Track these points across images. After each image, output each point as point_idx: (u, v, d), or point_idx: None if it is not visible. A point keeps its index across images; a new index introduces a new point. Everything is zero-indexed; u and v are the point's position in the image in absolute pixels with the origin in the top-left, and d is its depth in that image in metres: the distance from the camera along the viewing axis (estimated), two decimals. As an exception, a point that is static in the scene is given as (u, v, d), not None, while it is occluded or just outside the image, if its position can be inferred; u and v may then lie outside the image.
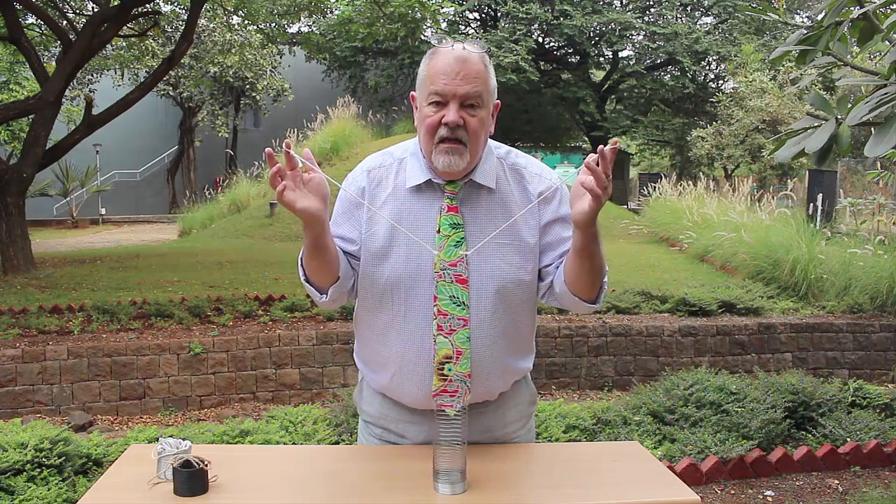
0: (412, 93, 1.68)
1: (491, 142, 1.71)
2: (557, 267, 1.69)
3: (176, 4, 11.94)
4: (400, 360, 1.68)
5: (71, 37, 8.97)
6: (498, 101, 1.67)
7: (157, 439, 1.75)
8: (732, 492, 3.59)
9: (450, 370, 1.63)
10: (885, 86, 1.94)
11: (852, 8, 2.06)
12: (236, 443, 3.68)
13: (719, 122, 17.50)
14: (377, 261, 1.66)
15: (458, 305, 1.62)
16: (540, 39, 22.81)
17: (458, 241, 1.62)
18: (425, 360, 1.64)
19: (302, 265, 1.66)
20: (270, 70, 20.89)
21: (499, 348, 1.68)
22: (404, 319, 1.66)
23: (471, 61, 1.56)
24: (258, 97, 22.32)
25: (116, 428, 5.00)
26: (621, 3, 23.15)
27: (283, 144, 1.50)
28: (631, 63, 23.41)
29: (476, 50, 1.59)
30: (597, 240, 1.56)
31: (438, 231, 1.63)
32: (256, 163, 17.50)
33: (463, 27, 23.73)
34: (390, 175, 1.69)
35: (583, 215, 1.50)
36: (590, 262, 1.58)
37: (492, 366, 1.68)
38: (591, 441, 3.85)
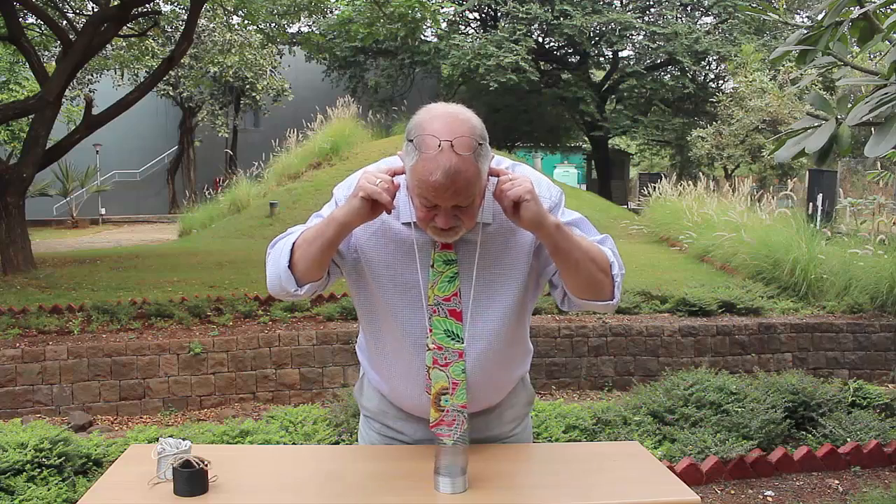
0: (399, 154, 1.57)
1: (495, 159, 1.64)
2: None
3: (176, 4, 11.93)
4: (397, 380, 1.69)
5: (71, 37, 8.96)
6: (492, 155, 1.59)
7: (157, 439, 1.75)
8: (732, 492, 3.59)
9: (446, 402, 1.62)
10: (885, 86, 1.94)
11: (852, 8, 2.06)
12: (236, 443, 3.68)
13: (719, 122, 17.48)
14: (371, 290, 1.65)
15: (453, 339, 1.61)
16: (540, 39, 22.79)
17: (451, 277, 1.61)
18: (421, 384, 1.65)
19: (292, 253, 1.59)
20: (270, 70, 20.88)
21: (495, 371, 1.68)
22: (400, 347, 1.65)
23: (461, 174, 1.42)
24: (258, 97, 22.30)
25: (116, 428, 5.00)
26: (621, 3, 23.12)
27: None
28: (631, 63, 23.37)
29: (465, 151, 1.42)
30: (560, 235, 1.51)
31: (432, 266, 1.61)
32: (256, 163, 17.50)
33: (463, 27, 23.72)
34: None
35: (519, 223, 1.52)
36: (567, 259, 1.54)
37: (489, 387, 1.69)
38: (591, 441, 3.85)
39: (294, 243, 1.60)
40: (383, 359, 1.71)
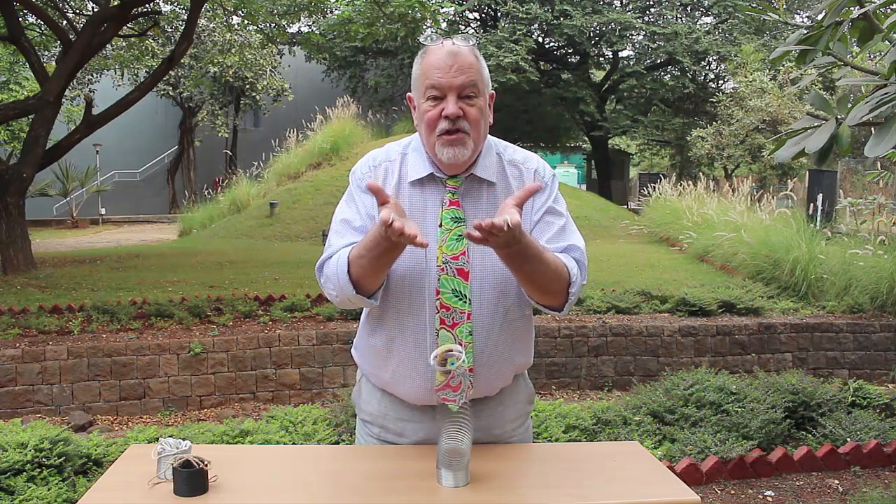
0: (409, 94, 1.72)
1: (491, 137, 1.74)
2: None
3: (176, 4, 11.93)
4: (401, 355, 1.68)
5: (71, 37, 8.96)
6: (493, 91, 1.71)
7: (157, 439, 1.75)
8: (732, 492, 3.59)
9: (453, 364, 1.63)
10: (885, 86, 1.94)
11: (852, 8, 2.06)
12: (236, 443, 3.68)
13: (719, 122, 17.48)
14: None
15: (461, 299, 1.63)
16: (540, 39, 22.79)
17: (459, 236, 1.64)
18: (426, 353, 1.64)
19: (350, 279, 1.59)
20: (270, 70, 20.90)
21: (500, 341, 1.69)
22: (406, 313, 1.66)
23: (462, 54, 1.61)
24: (258, 97, 22.31)
25: (116, 428, 5.00)
26: (621, 3, 23.13)
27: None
28: (631, 63, 23.38)
29: (465, 43, 1.63)
30: (521, 258, 1.54)
31: (440, 225, 1.65)
32: (256, 163, 17.50)
33: (463, 27, 23.71)
34: (395, 169, 1.72)
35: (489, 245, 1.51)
36: (520, 275, 1.60)
37: (493, 358, 1.69)
38: (591, 441, 3.85)
39: (348, 272, 1.58)
40: (387, 339, 1.70)
